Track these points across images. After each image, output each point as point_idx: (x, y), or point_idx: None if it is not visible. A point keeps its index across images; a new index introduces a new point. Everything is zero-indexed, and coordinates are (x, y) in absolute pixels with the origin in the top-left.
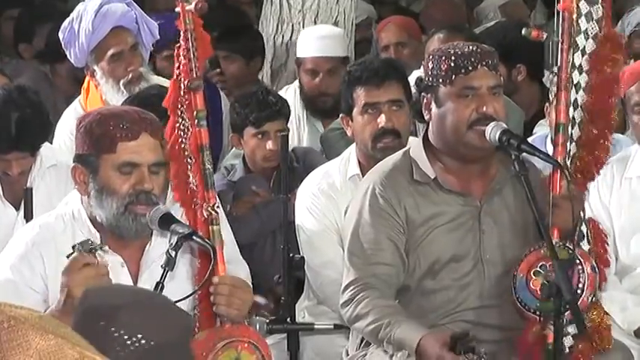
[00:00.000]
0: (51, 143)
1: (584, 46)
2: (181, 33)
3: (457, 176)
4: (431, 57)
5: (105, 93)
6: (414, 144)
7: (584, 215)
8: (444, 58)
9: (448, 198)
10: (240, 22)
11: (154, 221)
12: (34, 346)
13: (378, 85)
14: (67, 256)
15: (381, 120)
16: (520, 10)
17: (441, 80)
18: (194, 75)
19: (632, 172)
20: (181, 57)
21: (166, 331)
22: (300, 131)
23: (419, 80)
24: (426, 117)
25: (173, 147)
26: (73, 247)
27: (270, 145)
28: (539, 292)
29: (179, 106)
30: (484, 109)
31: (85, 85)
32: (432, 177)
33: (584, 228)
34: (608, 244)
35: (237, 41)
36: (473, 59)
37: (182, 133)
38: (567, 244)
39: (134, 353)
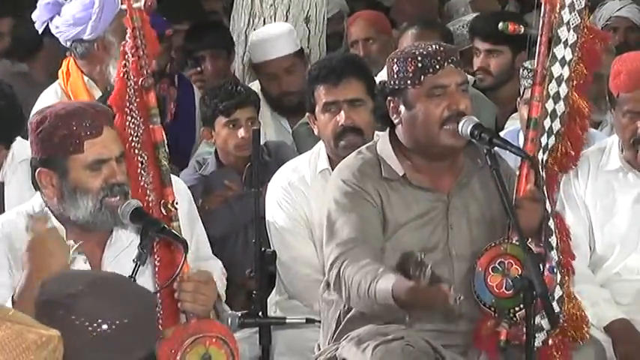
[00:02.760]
0: (24, 138)
1: (567, 39)
2: (129, 31)
3: (426, 173)
4: (395, 60)
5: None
6: (381, 141)
7: (552, 210)
8: (409, 59)
9: (417, 194)
10: (207, 17)
11: (125, 215)
12: None
13: (336, 84)
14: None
15: (341, 118)
16: (491, 5)
17: (409, 82)
18: (144, 73)
19: (608, 164)
20: (129, 55)
21: (126, 312)
22: (267, 129)
23: (382, 85)
24: (395, 120)
25: (124, 145)
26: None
27: (241, 132)
28: (495, 289)
29: (127, 104)
30: (456, 106)
31: (64, 67)
32: (401, 174)
33: (551, 223)
34: (571, 238)
35: (218, 38)
36: (439, 58)
37: (132, 132)
38: (528, 244)
39: (98, 338)
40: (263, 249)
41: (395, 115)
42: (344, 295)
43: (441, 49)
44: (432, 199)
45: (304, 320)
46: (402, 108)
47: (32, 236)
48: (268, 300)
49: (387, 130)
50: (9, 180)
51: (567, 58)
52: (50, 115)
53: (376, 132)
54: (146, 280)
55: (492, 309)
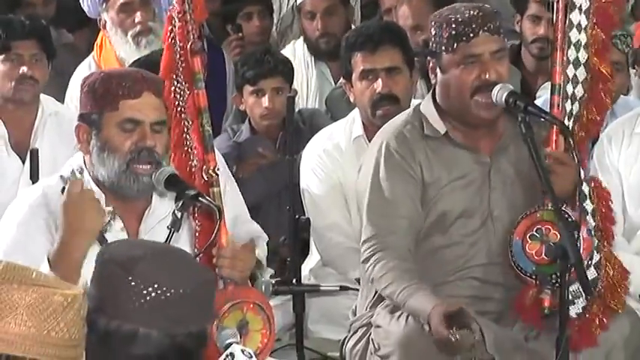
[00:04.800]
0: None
1: (581, 4)
2: None
3: (465, 134)
4: (433, 23)
5: (114, 45)
6: (425, 100)
7: (586, 175)
8: (444, 25)
9: (459, 154)
10: None
11: (159, 182)
12: (23, 303)
13: (373, 51)
14: (62, 191)
15: (378, 86)
16: None
17: (443, 48)
18: (191, 38)
19: None
20: (175, 20)
21: (185, 283)
22: (309, 76)
23: (424, 44)
24: (432, 80)
25: (171, 111)
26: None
27: (265, 102)
28: (534, 256)
29: (175, 70)
30: (487, 75)
31: (98, 41)
32: (443, 132)
33: (585, 188)
34: (612, 201)
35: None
36: (474, 25)
37: (178, 97)
38: (564, 209)
39: (151, 302)
40: (297, 216)
41: (433, 77)
42: (370, 282)
43: (479, 14)
44: (474, 160)
45: (338, 288)
46: (437, 71)
47: (67, 197)
48: (302, 267)
49: (432, 89)
50: (41, 134)
51: (583, 24)
52: (97, 73)
53: (413, 100)
54: (181, 246)
55: (533, 277)
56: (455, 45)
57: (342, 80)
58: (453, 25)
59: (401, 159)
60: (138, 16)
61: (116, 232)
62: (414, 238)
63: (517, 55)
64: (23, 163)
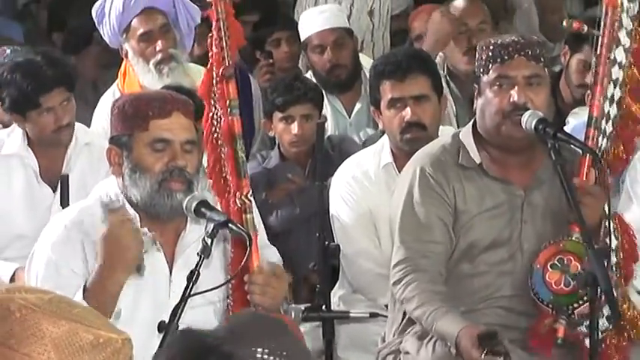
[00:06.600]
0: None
1: (624, 43)
2: (213, 23)
3: (501, 165)
4: (477, 48)
5: (138, 74)
6: (465, 129)
7: (610, 210)
8: (484, 47)
9: (492, 185)
10: (278, 8)
11: (189, 208)
12: (48, 334)
13: (402, 79)
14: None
15: (407, 114)
16: (555, 0)
17: (481, 70)
18: (227, 64)
19: None
20: (213, 46)
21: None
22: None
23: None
24: (474, 107)
25: (207, 136)
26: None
27: (294, 129)
28: (553, 285)
29: (212, 95)
30: (515, 98)
31: (122, 69)
32: (478, 162)
33: (610, 223)
34: (635, 237)
35: (292, 22)
36: (511, 49)
37: (215, 122)
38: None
39: None
40: (327, 242)
41: (475, 101)
42: (400, 304)
43: (519, 40)
44: (507, 191)
45: (368, 314)
46: (477, 95)
47: (107, 228)
48: (332, 294)
49: (473, 117)
50: (74, 163)
51: (623, 63)
52: (126, 95)
53: (441, 127)
54: (212, 272)
55: (550, 306)
56: (490, 66)
57: (372, 109)
58: (492, 47)
59: (436, 184)
60: (159, 45)
61: (153, 253)
62: (445, 263)
63: (555, 82)
64: (54, 191)
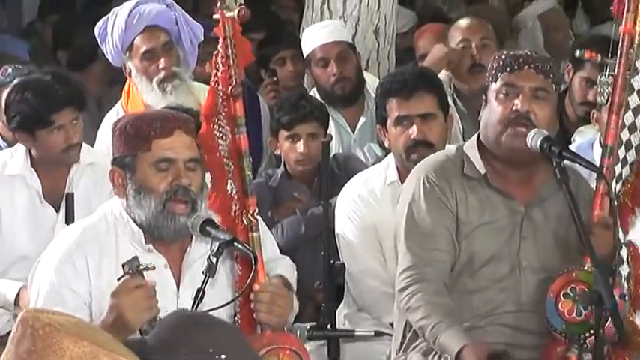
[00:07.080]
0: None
1: None
2: (220, 40)
3: (503, 179)
4: (491, 59)
5: (141, 92)
6: (469, 140)
7: (624, 239)
8: (496, 57)
9: (494, 198)
10: (284, 26)
11: (195, 227)
12: (69, 353)
13: (408, 98)
14: (118, 279)
15: (413, 132)
16: (560, 18)
17: (490, 78)
18: (234, 82)
19: None
20: (219, 64)
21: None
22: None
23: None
24: (479, 117)
25: (211, 154)
26: (123, 267)
27: (300, 147)
28: (566, 314)
29: (217, 113)
30: (518, 106)
31: (126, 87)
32: (482, 173)
33: (623, 252)
34: None
35: (297, 41)
36: (521, 60)
37: (220, 141)
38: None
39: None
40: (332, 261)
41: (481, 113)
42: (404, 312)
43: (531, 53)
44: (508, 206)
45: (373, 333)
46: (483, 106)
47: (123, 289)
48: (337, 312)
49: (477, 133)
50: (77, 183)
51: None
52: (127, 116)
53: (447, 145)
54: (219, 289)
55: (563, 334)
56: (499, 74)
57: (377, 127)
58: (503, 57)
59: (440, 191)
60: (162, 63)
61: (161, 271)
62: (449, 272)
63: (560, 101)
64: (57, 211)
